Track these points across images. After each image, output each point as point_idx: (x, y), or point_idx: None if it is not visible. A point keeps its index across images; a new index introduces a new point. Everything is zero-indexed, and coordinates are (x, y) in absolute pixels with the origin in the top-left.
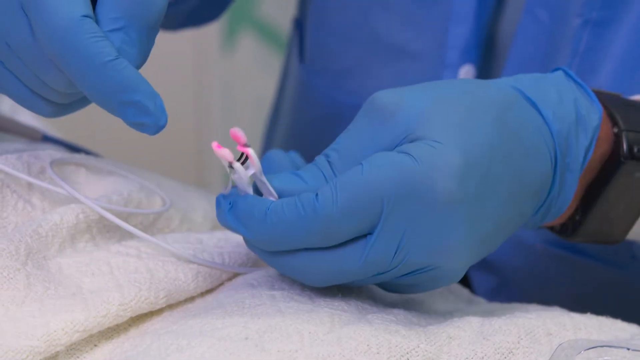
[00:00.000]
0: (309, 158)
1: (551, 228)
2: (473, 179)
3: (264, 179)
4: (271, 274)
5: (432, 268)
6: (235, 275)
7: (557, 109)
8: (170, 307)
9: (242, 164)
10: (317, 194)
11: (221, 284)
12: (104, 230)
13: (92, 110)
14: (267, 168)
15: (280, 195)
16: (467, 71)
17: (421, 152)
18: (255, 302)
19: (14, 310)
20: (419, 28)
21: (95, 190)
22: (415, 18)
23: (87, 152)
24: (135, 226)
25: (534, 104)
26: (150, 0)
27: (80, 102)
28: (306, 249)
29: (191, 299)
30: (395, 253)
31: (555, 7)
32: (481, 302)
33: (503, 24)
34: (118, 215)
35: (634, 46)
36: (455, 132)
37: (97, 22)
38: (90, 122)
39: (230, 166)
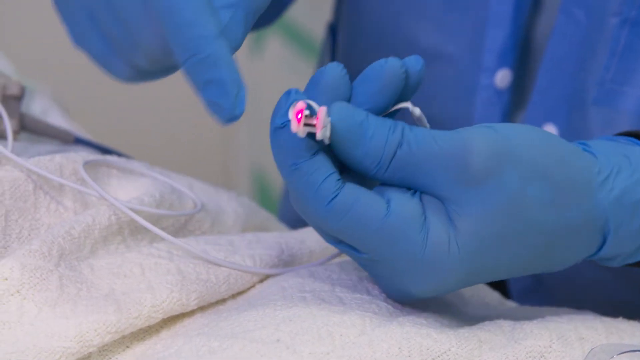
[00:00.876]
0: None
1: None
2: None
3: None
4: (302, 275)
5: None
6: (267, 276)
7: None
8: (202, 308)
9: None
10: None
11: (252, 285)
12: (136, 231)
13: (120, 114)
14: (314, 85)
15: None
16: (503, 75)
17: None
18: (287, 304)
19: (47, 311)
20: (453, 32)
21: (127, 191)
22: (450, 22)
23: (119, 154)
24: (166, 228)
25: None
26: None
27: (159, 73)
28: None
29: (222, 300)
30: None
31: (592, 6)
32: (512, 305)
33: (539, 25)
34: (150, 216)
35: None
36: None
37: None
38: (118, 126)
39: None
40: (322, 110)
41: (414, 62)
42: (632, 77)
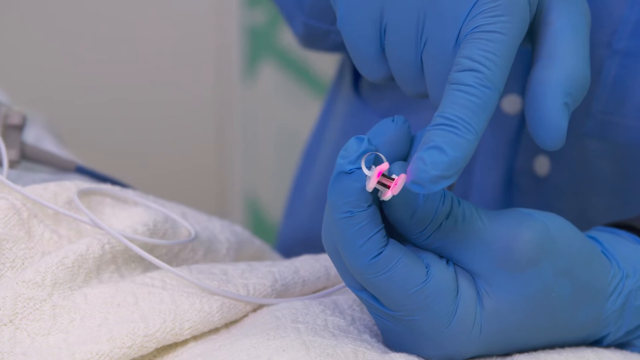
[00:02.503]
0: None
1: None
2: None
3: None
4: (295, 307)
5: None
6: (260, 306)
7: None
8: (195, 338)
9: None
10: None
11: (246, 315)
12: (129, 260)
13: (115, 142)
14: (379, 134)
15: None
16: (511, 100)
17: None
18: (280, 334)
19: (40, 341)
20: None
21: (120, 220)
22: None
23: (114, 182)
24: (160, 257)
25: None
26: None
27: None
28: None
29: (216, 330)
30: None
31: None
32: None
33: None
34: (144, 245)
35: None
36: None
37: None
38: (113, 153)
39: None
40: (402, 178)
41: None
42: (623, 107)
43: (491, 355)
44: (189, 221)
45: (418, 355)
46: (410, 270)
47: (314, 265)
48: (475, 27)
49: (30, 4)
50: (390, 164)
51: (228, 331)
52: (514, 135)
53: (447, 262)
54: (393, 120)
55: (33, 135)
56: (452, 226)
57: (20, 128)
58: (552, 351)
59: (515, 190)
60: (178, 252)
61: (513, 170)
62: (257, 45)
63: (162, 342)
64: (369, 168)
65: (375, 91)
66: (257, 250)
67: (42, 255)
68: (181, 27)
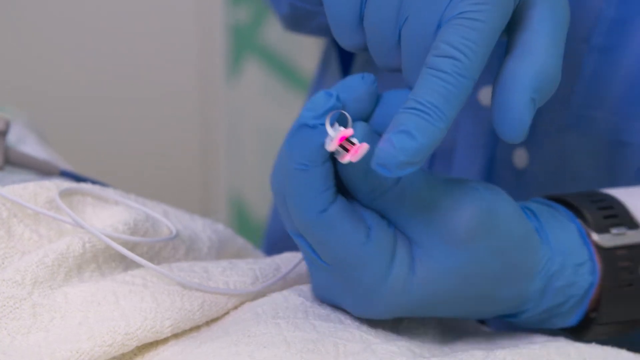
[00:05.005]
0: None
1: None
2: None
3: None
4: (276, 302)
5: None
6: (241, 303)
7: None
8: (176, 336)
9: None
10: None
11: (227, 312)
12: (110, 259)
13: (97, 140)
14: (348, 91)
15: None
16: (486, 93)
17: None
18: (261, 331)
19: (20, 340)
20: None
21: (101, 219)
22: None
23: (93, 182)
24: (141, 256)
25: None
26: None
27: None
28: None
29: (197, 327)
30: None
31: None
32: (486, 331)
33: None
34: (124, 244)
35: (639, 73)
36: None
37: None
38: (95, 151)
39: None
40: (363, 148)
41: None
42: (599, 102)
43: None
44: (170, 220)
45: (344, 307)
46: (352, 230)
47: (296, 262)
48: (459, 13)
49: (10, 3)
50: (353, 122)
51: (209, 329)
52: (492, 128)
53: (389, 224)
54: (362, 78)
55: (16, 134)
56: (399, 192)
57: (3, 133)
58: (533, 346)
59: (496, 181)
60: (159, 251)
61: (494, 162)
62: (241, 43)
63: (143, 340)
64: (332, 126)
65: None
66: (239, 249)
67: (22, 254)
68: (164, 25)
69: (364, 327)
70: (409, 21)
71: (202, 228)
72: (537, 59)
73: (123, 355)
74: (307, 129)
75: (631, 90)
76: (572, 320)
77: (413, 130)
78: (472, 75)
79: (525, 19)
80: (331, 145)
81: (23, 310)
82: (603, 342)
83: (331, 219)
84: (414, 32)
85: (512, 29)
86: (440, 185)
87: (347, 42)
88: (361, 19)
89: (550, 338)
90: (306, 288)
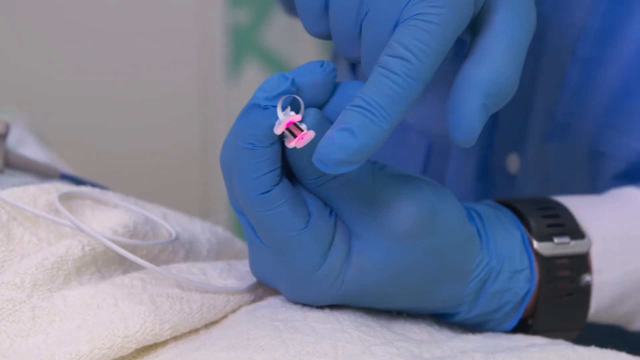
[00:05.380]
0: None
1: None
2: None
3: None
4: (274, 305)
5: None
6: (239, 307)
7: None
8: (175, 338)
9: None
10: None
11: (225, 315)
12: (109, 262)
13: (97, 142)
14: (305, 75)
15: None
16: None
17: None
18: (260, 334)
19: (20, 342)
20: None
21: (101, 222)
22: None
23: (93, 185)
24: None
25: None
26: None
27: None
28: None
29: (195, 330)
30: None
31: (546, 38)
32: (485, 332)
33: None
34: (124, 247)
35: (623, 82)
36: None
37: None
38: (96, 153)
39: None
40: (309, 135)
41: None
42: (583, 112)
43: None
44: (169, 222)
45: (276, 287)
46: (292, 214)
47: None
48: (416, 14)
49: (9, 5)
50: (306, 107)
51: (208, 331)
52: (486, 132)
53: (331, 212)
54: (322, 66)
55: (15, 136)
56: (344, 182)
57: (3, 137)
58: (533, 349)
59: (490, 185)
60: (158, 254)
61: (487, 166)
62: (241, 44)
63: (142, 343)
64: (283, 109)
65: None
66: (238, 251)
67: (21, 257)
68: (164, 26)
69: (363, 328)
70: (369, 15)
71: (201, 230)
72: (493, 65)
73: (122, 357)
74: (259, 109)
75: (612, 100)
76: (507, 325)
77: (356, 129)
78: (422, 78)
79: (487, 23)
80: (278, 129)
81: (22, 313)
82: (602, 344)
83: (272, 201)
84: (373, 26)
85: (475, 31)
86: (385, 179)
87: (313, 29)
88: (326, 7)
89: (550, 341)
90: None
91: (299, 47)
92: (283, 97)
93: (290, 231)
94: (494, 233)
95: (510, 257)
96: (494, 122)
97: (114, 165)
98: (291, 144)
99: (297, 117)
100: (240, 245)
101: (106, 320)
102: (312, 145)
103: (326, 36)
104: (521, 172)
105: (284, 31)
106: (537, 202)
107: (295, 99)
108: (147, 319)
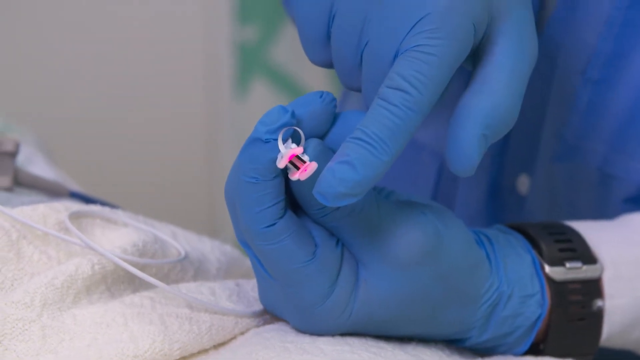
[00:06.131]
0: None
1: None
2: None
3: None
4: (283, 328)
5: None
6: (248, 329)
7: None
8: (184, 359)
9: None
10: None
11: (234, 337)
12: (119, 281)
13: (105, 161)
14: (304, 107)
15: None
16: None
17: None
18: (269, 354)
19: None
20: (462, 74)
21: (110, 241)
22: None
23: (103, 204)
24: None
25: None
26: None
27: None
28: None
29: (205, 351)
30: None
31: (558, 61)
32: (495, 356)
33: None
34: (133, 266)
35: (633, 105)
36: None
37: None
38: (104, 173)
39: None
40: (312, 167)
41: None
42: (593, 134)
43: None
44: (179, 241)
45: (286, 319)
46: (298, 247)
47: None
48: (415, 46)
49: (14, 21)
50: (307, 138)
51: (217, 352)
52: (496, 153)
53: (337, 242)
54: (321, 96)
55: (24, 154)
56: (349, 212)
57: (13, 155)
58: None
59: (500, 206)
60: (168, 273)
61: (498, 187)
62: (248, 63)
63: None
64: (285, 141)
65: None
66: (247, 270)
67: (31, 276)
68: (171, 44)
69: (373, 349)
70: (369, 46)
71: (210, 249)
72: (493, 95)
73: None
74: (260, 143)
75: (621, 123)
76: (519, 350)
77: (356, 161)
78: (422, 110)
79: (487, 54)
80: (281, 162)
81: (32, 332)
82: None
83: (276, 234)
84: (373, 57)
85: (476, 61)
86: (390, 208)
87: (315, 58)
88: (328, 37)
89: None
90: None
91: (306, 65)
92: (284, 130)
93: (295, 264)
94: (504, 257)
95: (521, 282)
96: (504, 143)
97: (120, 183)
98: (294, 176)
99: (298, 150)
100: (249, 264)
101: (116, 339)
102: (315, 176)
103: (328, 65)
104: (531, 193)
105: (292, 49)
106: (548, 226)
107: (296, 130)
108: (157, 339)
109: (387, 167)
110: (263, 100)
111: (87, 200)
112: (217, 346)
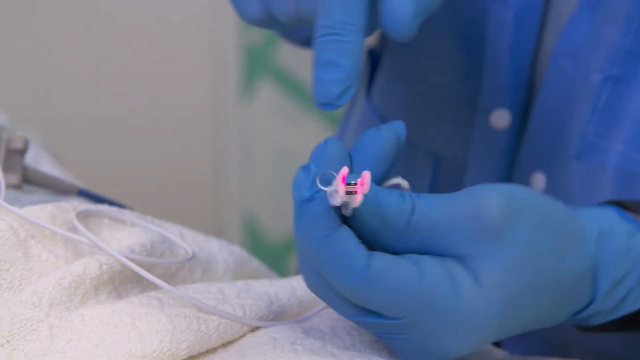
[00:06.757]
0: None
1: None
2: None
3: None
4: (293, 329)
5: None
6: (257, 327)
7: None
8: (192, 358)
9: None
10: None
11: (243, 335)
12: (127, 281)
13: (111, 162)
14: (319, 159)
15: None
16: (499, 115)
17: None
18: (278, 355)
19: None
20: (458, 72)
21: (118, 241)
22: (456, 63)
23: (111, 203)
24: (157, 277)
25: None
26: None
27: (286, 28)
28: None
29: (213, 350)
30: None
31: (579, 59)
32: (501, 355)
33: (540, 68)
34: (141, 265)
35: None
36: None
37: None
38: (110, 173)
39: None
40: (366, 175)
41: (399, 127)
42: (612, 132)
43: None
44: (186, 242)
45: (442, 356)
46: (403, 273)
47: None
48: None
49: (19, 23)
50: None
51: (225, 351)
52: (505, 151)
53: (434, 258)
54: (326, 143)
55: (31, 155)
56: (419, 219)
57: (22, 152)
58: None
59: None
60: (176, 272)
61: None
62: (254, 64)
63: None
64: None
65: (380, 95)
66: (254, 270)
67: (39, 276)
68: (178, 46)
69: (385, 356)
70: None
71: (218, 250)
72: None
73: None
74: (306, 204)
75: None
76: None
77: (335, 57)
78: None
79: None
80: (340, 191)
81: (40, 332)
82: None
83: (378, 272)
84: None
85: None
86: (452, 196)
87: (247, 12)
88: None
89: None
90: (324, 326)
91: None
92: (318, 175)
93: (410, 287)
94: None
95: (610, 222)
96: (512, 139)
97: (127, 185)
98: (358, 198)
99: (345, 169)
100: (256, 264)
101: (124, 339)
102: (371, 205)
103: (262, 19)
104: (547, 190)
105: (297, 51)
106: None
107: (328, 174)
108: (165, 339)
109: (362, 45)
110: (269, 101)
111: (95, 198)
112: (226, 345)
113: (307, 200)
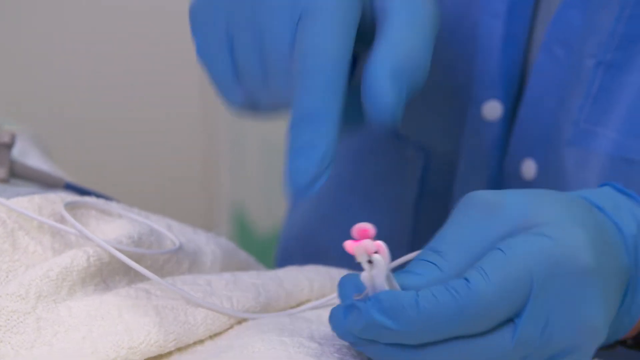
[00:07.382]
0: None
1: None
2: (598, 254)
3: (390, 274)
4: (281, 322)
5: (570, 351)
6: (245, 319)
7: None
8: (180, 350)
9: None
10: (466, 278)
11: (230, 327)
12: (114, 273)
13: (101, 154)
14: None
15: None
16: (491, 107)
17: (554, 232)
18: (266, 347)
19: (24, 354)
20: (448, 65)
21: (105, 233)
22: (446, 55)
23: (98, 195)
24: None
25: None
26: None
27: (271, 112)
28: (456, 338)
29: (201, 341)
30: (542, 332)
31: (572, 45)
32: None
33: (530, 59)
34: (129, 257)
35: None
36: (567, 217)
37: None
38: (99, 165)
39: (369, 261)
40: (382, 247)
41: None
42: (605, 119)
43: None
44: (174, 233)
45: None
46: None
47: (298, 277)
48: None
49: (17, 18)
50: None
51: (213, 342)
52: (497, 141)
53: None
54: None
55: (17, 148)
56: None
57: (9, 146)
58: None
59: None
60: (163, 264)
61: (502, 174)
62: None
63: (146, 355)
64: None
65: None
66: (241, 263)
67: (26, 267)
68: (169, 40)
69: None
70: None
71: (205, 242)
72: (390, 41)
73: None
74: (343, 311)
75: (637, 107)
76: None
77: (305, 145)
78: (334, 66)
79: (380, 19)
80: (377, 283)
81: (27, 325)
82: None
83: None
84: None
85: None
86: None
87: (231, 99)
88: (237, 71)
89: None
90: (312, 314)
91: None
92: (355, 296)
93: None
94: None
95: (627, 209)
96: (503, 130)
97: (117, 179)
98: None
99: (370, 247)
100: (244, 256)
101: (111, 331)
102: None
103: (246, 104)
104: (537, 178)
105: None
106: None
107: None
108: (152, 331)
109: (336, 124)
110: None
111: (82, 192)
112: (213, 336)
113: (345, 308)
